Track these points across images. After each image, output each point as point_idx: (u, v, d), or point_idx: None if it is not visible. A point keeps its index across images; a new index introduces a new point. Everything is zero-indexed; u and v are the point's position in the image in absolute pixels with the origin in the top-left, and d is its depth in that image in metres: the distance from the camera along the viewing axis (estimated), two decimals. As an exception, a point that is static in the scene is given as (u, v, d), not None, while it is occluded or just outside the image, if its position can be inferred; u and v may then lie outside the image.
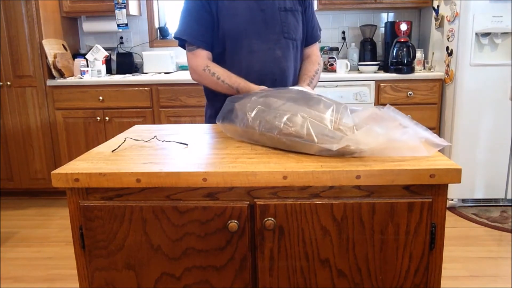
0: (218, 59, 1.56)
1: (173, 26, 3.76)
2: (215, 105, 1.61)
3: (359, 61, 3.48)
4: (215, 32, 1.52)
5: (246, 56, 1.52)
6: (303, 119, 1.04)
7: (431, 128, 3.10)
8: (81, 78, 3.20)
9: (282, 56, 1.54)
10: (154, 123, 3.16)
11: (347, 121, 1.03)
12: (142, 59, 3.60)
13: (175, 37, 1.58)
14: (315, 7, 3.44)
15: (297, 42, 1.59)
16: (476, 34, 2.80)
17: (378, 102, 3.07)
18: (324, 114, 1.04)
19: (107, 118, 3.17)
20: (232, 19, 1.50)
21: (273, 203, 0.95)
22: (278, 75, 1.53)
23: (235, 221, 0.96)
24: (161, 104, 3.15)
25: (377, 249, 0.96)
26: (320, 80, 3.03)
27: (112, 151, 1.14)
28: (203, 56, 1.54)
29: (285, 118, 1.06)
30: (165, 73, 3.47)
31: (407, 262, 0.97)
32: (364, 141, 0.98)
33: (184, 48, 1.58)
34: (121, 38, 3.69)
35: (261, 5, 1.52)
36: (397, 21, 3.27)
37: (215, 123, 1.59)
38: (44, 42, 3.13)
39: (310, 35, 1.66)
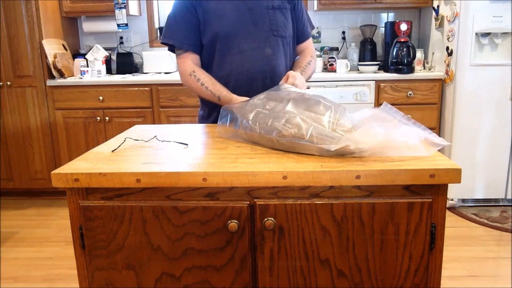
0: (209, 60, 1.58)
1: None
2: (207, 106, 1.62)
3: (359, 61, 3.48)
4: (204, 34, 1.53)
5: (235, 56, 1.53)
6: (302, 120, 1.04)
7: (431, 128, 3.10)
8: (81, 78, 3.20)
9: (272, 54, 1.55)
10: (154, 123, 3.16)
11: (345, 122, 1.03)
12: (142, 59, 3.60)
13: (162, 42, 1.60)
14: (315, 7, 3.44)
15: (287, 39, 1.59)
16: (476, 34, 2.80)
17: (378, 102, 3.07)
18: (322, 115, 1.05)
19: (107, 118, 3.17)
20: (220, 20, 1.51)
21: (273, 203, 0.95)
22: (269, 73, 1.55)
23: (235, 221, 0.96)
24: (161, 104, 3.15)
25: (377, 249, 0.96)
26: (320, 80, 3.07)
27: (112, 151, 1.14)
28: (190, 60, 1.56)
29: (284, 120, 1.06)
30: (165, 73, 3.47)
31: (407, 262, 0.97)
32: (363, 140, 0.98)
33: (173, 52, 1.61)
34: (121, 38, 3.69)
35: (249, 4, 1.53)
36: (397, 21, 3.27)
37: (206, 123, 1.60)
38: (44, 42, 3.13)
39: (301, 33, 1.66)
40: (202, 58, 1.58)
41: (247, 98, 1.41)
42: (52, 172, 0.97)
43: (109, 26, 3.46)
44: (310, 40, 1.71)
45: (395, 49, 3.13)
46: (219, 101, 1.51)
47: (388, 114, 1.08)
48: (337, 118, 1.04)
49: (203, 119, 1.68)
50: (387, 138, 0.98)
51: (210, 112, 1.63)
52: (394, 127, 1.01)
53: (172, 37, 1.55)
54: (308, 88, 2.92)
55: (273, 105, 1.14)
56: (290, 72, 1.46)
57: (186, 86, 1.61)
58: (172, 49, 1.60)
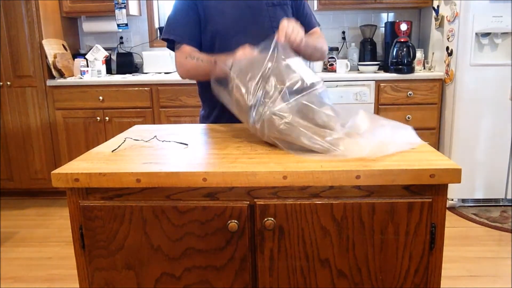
0: None
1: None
2: (208, 105, 1.62)
3: (359, 61, 3.48)
4: (204, 31, 1.53)
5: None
6: (291, 125, 1.04)
7: (431, 128, 3.10)
8: (81, 78, 3.20)
9: None
10: (154, 123, 3.16)
11: (335, 127, 1.04)
12: (142, 59, 3.60)
13: (162, 38, 1.59)
14: (315, 7, 3.44)
15: None
16: (476, 34, 2.80)
17: (378, 102, 3.07)
18: (318, 125, 1.05)
19: (107, 118, 3.17)
20: (220, 18, 1.51)
21: (273, 203, 0.95)
22: None
23: (235, 221, 0.96)
24: (161, 104, 3.15)
25: (377, 249, 0.96)
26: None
27: (112, 151, 1.14)
28: (188, 49, 1.53)
29: (282, 124, 1.06)
30: (165, 73, 3.47)
31: (407, 262, 0.97)
32: (351, 154, 0.99)
33: (173, 50, 1.59)
34: (121, 38, 3.69)
35: (248, 1, 1.52)
36: (397, 21, 3.27)
37: (207, 123, 1.60)
38: (44, 42, 3.13)
39: (306, 24, 1.63)
40: None
41: (241, 52, 1.30)
42: (52, 172, 0.97)
43: (109, 26, 3.46)
44: (318, 28, 1.68)
45: (395, 49, 3.13)
46: (215, 64, 1.42)
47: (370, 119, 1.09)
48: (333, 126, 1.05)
49: (203, 119, 1.68)
50: (376, 145, 1.00)
51: (211, 112, 1.63)
52: (378, 133, 1.03)
53: (173, 32, 1.54)
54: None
55: (269, 87, 1.09)
56: (281, 24, 1.33)
57: (184, 75, 1.57)
58: (171, 46, 1.59)
